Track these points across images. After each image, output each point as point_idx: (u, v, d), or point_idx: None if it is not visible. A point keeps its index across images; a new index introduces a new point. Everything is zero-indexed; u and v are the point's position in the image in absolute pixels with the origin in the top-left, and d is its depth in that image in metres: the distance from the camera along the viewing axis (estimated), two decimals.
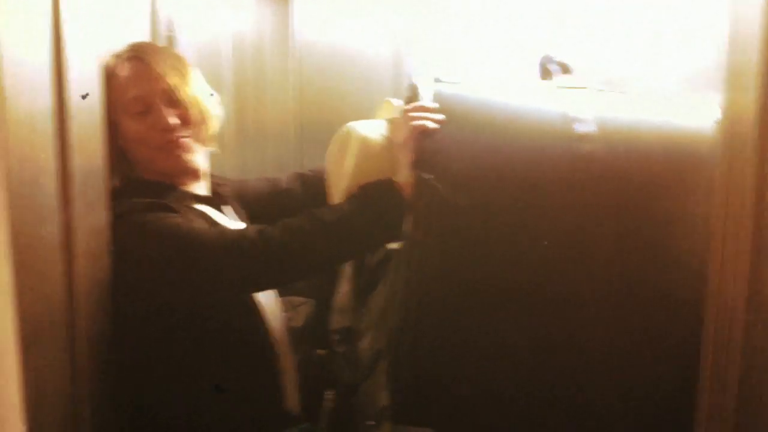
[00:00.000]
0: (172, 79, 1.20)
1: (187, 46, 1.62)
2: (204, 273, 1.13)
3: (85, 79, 0.99)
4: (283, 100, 2.09)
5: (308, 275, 1.24)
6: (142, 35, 1.40)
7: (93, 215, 1.03)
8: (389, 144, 1.22)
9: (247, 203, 1.44)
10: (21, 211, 0.85)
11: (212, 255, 1.12)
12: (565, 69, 1.31)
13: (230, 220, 1.33)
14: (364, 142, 1.22)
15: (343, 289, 1.70)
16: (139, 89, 1.19)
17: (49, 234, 0.93)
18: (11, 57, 0.82)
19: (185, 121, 1.22)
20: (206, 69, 1.56)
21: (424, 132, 1.13)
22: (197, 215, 1.22)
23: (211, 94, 1.30)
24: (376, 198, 1.17)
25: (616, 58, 1.80)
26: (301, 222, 1.15)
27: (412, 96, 1.25)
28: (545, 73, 1.39)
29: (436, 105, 1.17)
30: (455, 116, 1.16)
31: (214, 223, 1.23)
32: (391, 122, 1.25)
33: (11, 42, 0.82)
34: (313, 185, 1.49)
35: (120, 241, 1.09)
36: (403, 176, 1.17)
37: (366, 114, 2.07)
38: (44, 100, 0.90)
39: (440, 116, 1.15)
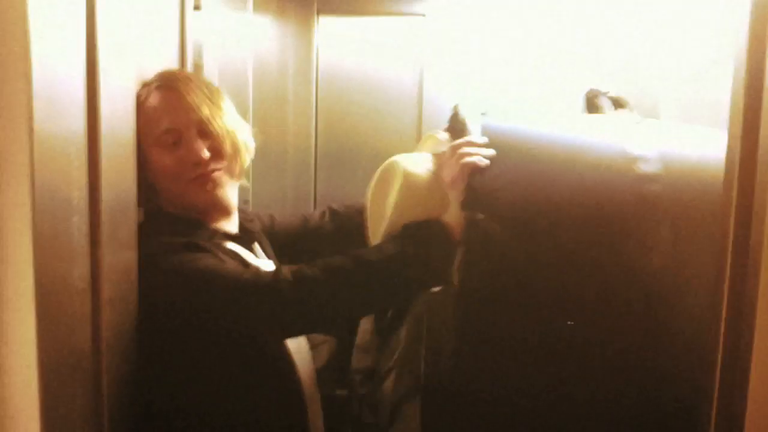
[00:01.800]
0: (206, 110, 1.13)
1: (211, 72, 1.56)
2: (239, 317, 1.06)
3: (118, 108, 0.92)
4: (305, 127, 2.04)
5: (347, 320, 1.15)
6: (171, 63, 1.34)
7: (121, 256, 0.95)
8: (435, 180, 1.15)
9: (276, 240, 1.37)
10: (47, 250, 0.78)
11: (248, 298, 1.05)
12: (619, 103, 1.24)
13: (261, 259, 1.25)
14: (410, 178, 1.14)
15: (366, 327, 1.63)
16: (171, 120, 1.12)
17: (76, 278, 0.85)
18: (44, 84, 0.75)
19: (218, 154, 1.15)
20: (229, 95, 1.50)
21: (474, 169, 1.06)
22: (229, 255, 1.14)
23: (244, 126, 1.23)
24: (423, 239, 1.09)
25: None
26: (342, 262, 1.08)
27: (457, 129, 1.18)
28: (592, 108, 1.32)
29: (485, 140, 1.10)
30: (507, 152, 1.09)
31: (245, 263, 1.16)
32: (437, 157, 1.17)
33: (45, 72, 0.75)
34: (345, 222, 1.41)
35: (151, 283, 1.02)
36: (452, 216, 1.09)
37: (388, 141, 2.04)
38: (77, 128, 0.83)
39: (491, 152, 1.08)
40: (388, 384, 1.46)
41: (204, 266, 1.06)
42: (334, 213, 1.43)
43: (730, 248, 0.80)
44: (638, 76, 1.78)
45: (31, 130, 0.74)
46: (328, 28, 2.03)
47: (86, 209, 0.86)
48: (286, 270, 1.07)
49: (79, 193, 0.84)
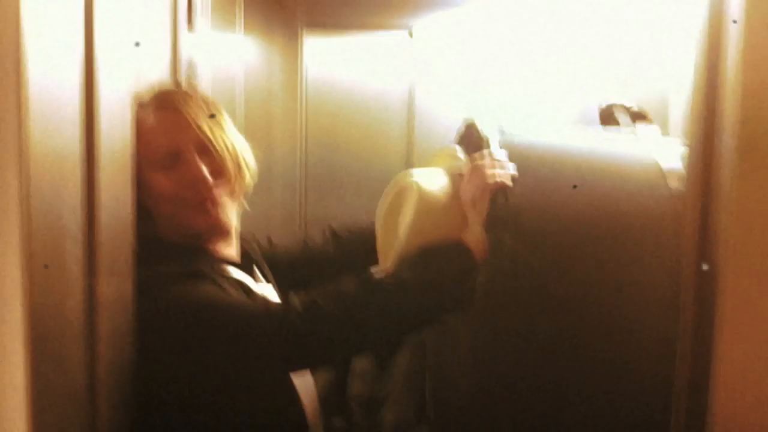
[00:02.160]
0: (205, 127, 1.05)
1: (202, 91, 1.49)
2: (246, 351, 0.97)
3: (115, 125, 0.84)
4: (292, 144, 2.00)
5: (363, 351, 1.07)
6: (164, 79, 1.26)
7: (118, 287, 0.86)
8: (453, 199, 1.08)
9: (277, 264, 1.28)
10: (40, 280, 0.69)
11: (256, 332, 0.97)
12: (642, 117, 1.18)
13: (263, 286, 1.17)
14: (427, 197, 1.07)
15: None
16: (169, 139, 1.04)
17: (70, 312, 0.76)
18: (38, 99, 0.67)
19: (219, 174, 1.07)
20: None
21: (498, 188, 1.00)
22: (231, 283, 1.05)
23: (246, 144, 1.15)
24: (444, 262, 1.01)
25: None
26: (357, 291, 1.00)
27: (474, 146, 1.12)
28: (608, 121, 1.26)
29: (506, 156, 1.04)
30: (532, 169, 1.03)
31: (249, 292, 1.07)
32: (454, 175, 1.11)
33: (40, 85, 0.67)
34: (349, 243, 1.33)
35: (150, 315, 0.92)
36: (473, 237, 1.02)
37: (377, 158, 1.98)
38: (72, 146, 0.75)
39: (514, 169, 1.02)
40: (388, 410, 1.40)
41: (207, 296, 0.97)
42: (335, 234, 1.34)
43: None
44: (647, 81, 1.74)
45: (20, 149, 0.66)
46: (314, 45, 1.99)
47: (81, 235, 0.77)
48: (296, 300, 0.99)
49: (74, 218, 0.75)
